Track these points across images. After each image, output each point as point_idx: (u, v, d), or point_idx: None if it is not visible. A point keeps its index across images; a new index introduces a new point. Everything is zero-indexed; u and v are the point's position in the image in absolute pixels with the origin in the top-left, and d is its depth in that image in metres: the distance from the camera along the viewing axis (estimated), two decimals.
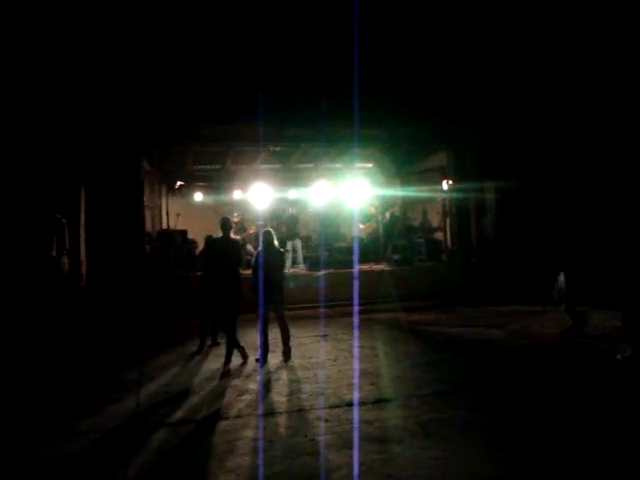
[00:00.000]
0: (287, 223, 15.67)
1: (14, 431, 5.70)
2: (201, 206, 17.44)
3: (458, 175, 15.27)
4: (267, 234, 8.40)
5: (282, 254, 8.75)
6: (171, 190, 17.59)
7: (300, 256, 15.19)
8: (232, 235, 8.46)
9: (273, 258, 8.25)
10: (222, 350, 8.31)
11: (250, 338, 8.79)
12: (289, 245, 14.85)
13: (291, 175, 18.98)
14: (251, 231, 16.54)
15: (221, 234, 8.37)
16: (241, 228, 15.83)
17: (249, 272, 8.77)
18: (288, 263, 13.45)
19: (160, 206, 17.65)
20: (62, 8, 10.73)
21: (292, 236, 15.26)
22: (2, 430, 5.72)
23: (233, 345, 8.04)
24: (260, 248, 8.43)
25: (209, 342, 9.36)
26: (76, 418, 5.98)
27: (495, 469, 4.36)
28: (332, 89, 11.81)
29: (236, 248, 8.45)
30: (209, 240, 9.18)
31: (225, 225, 8.42)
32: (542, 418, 5.43)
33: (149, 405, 6.36)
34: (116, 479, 4.50)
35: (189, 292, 11.83)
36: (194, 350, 9.07)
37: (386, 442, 4.92)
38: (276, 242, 8.49)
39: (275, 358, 8.21)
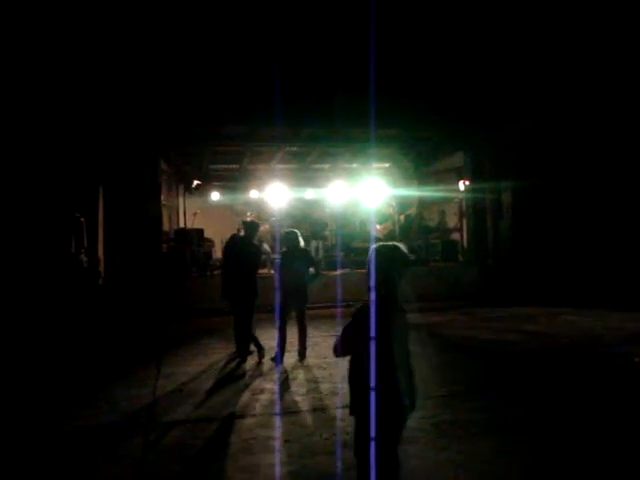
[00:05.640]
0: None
1: (28, 424, 5.78)
2: (218, 205, 17.51)
3: (475, 176, 15.22)
4: (291, 234, 8.40)
5: (307, 253, 8.71)
6: (188, 189, 17.71)
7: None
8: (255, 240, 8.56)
9: (297, 258, 8.25)
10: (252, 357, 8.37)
11: (265, 337, 8.79)
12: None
13: (308, 175, 19.03)
14: (264, 228, 16.57)
15: (243, 234, 8.50)
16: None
17: (264, 271, 8.78)
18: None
19: (177, 205, 17.79)
20: (81, 12, 10.84)
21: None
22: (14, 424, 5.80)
23: (250, 340, 8.14)
24: (284, 248, 8.45)
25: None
26: (92, 414, 6.03)
27: (509, 470, 4.35)
28: (350, 90, 11.80)
29: (255, 252, 8.54)
30: (229, 239, 9.16)
31: (252, 228, 8.59)
32: (557, 421, 5.40)
33: (165, 403, 6.40)
34: (129, 477, 4.55)
35: (206, 291, 11.91)
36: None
37: (400, 442, 4.91)
38: (301, 241, 8.48)
39: (291, 357, 8.23)
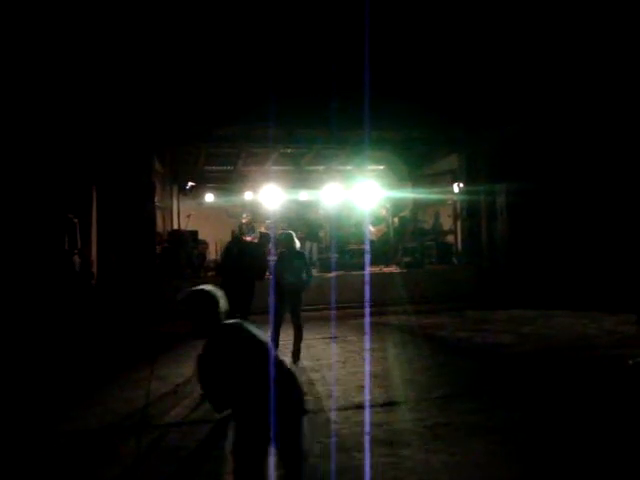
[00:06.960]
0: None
1: (21, 426, 5.73)
2: (212, 207, 17.46)
3: (469, 178, 15.24)
4: (287, 236, 8.40)
5: (303, 255, 8.71)
6: (182, 191, 17.63)
7: None
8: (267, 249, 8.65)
9: (294, 259, 8.23)
10: None
11: None
12: None
13: (302, 177, 19.00)
14: (261, 229, 16.54)
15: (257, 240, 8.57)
16: (251, 229, 15.83)
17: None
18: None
19: (171, 206, 17.73)
20: (77, 12, 10.81)
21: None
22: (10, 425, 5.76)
23: None
24: (280, 250, 8.44)
25: None
26: (85, 416, 6.00)
27: (503, 473, 4.34)
28: (344, 91, 11.79)
29: (264, 257, 8.57)
30: (231, 240, 9.12)
31: (266, 240, 8.66)
32: (551, 423, 5.40)
33: (159, 405, 6.37)
34: (123, 479, 4.52)
35: None
36: None
37: (395, 445, 4.90)
38: (297, 243, 8.47)
39: (284, 359, 8.19)
